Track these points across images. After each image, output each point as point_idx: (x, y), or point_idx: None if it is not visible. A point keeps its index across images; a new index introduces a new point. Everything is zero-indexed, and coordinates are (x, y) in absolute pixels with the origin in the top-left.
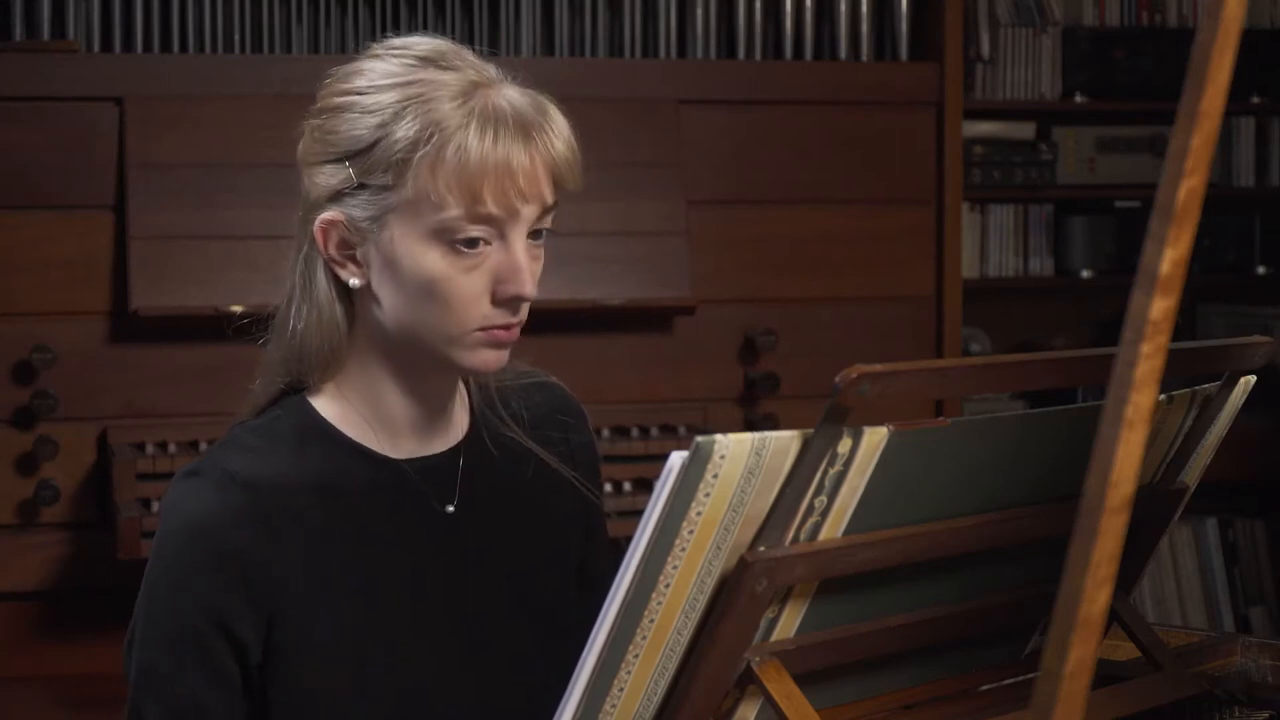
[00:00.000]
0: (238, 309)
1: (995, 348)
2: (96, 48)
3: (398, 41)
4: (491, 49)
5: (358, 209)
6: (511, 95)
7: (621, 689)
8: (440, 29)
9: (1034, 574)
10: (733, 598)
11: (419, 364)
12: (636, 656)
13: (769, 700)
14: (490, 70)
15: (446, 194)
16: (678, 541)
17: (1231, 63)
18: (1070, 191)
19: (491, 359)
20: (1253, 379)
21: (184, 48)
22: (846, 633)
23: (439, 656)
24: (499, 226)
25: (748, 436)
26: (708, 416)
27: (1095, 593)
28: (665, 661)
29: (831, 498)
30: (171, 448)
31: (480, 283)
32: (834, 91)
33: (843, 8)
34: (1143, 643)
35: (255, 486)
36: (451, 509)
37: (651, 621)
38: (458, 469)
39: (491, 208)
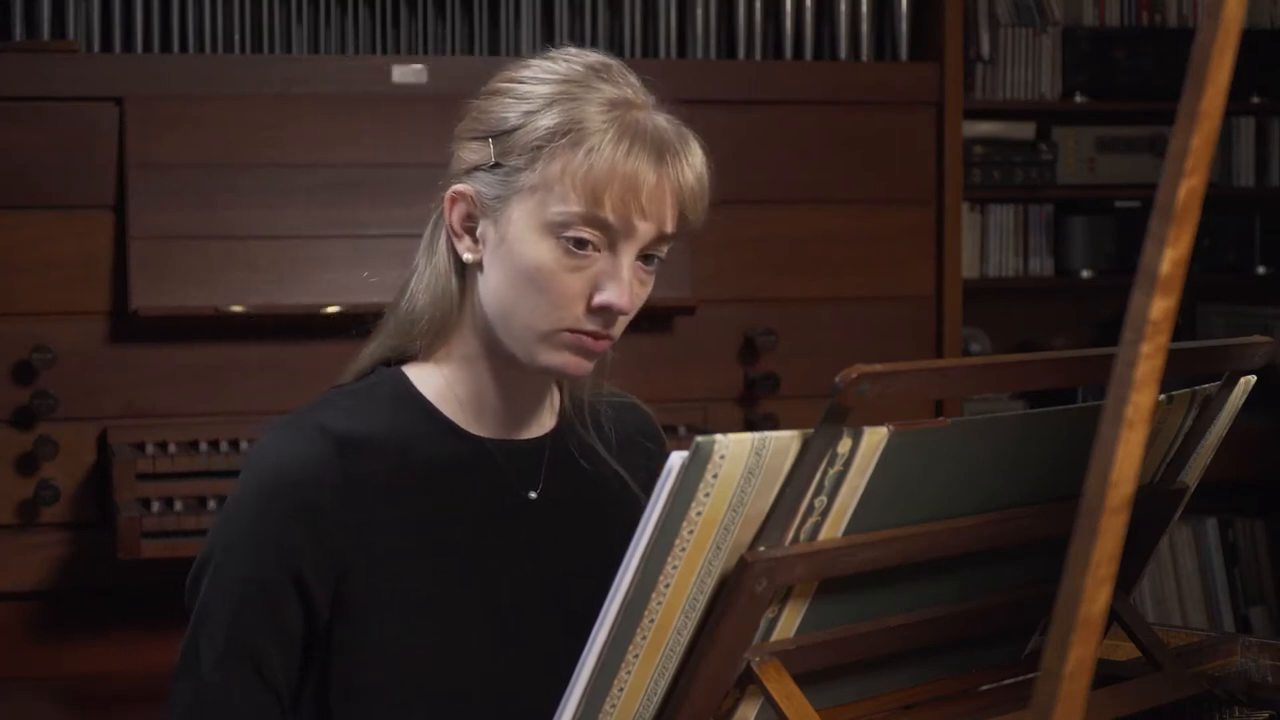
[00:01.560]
0: (238, 309)
1: (995, 348)
2: (96, 48)
3: (573, 50)
4: (491, 49)
5: (488, 186)
6: (658, 119)
7: (621, 689)
8: (440, 29)
9: (1034, 574)
10: (733, 598)
11: (511, 356)
12: (636, 656)
13: (769, 700)
14: (649, 96)
15: (570, 190)
16: (678, 541)
17: (1231, 63)
18: (1070, 191)
19: (573, 364)
20: (1253, 379)
21: (184, 48)
22: (846, 633)
23: (495, 635)
24: (612, 236)
25: (748, 436)
26: (708, 416)
27: (1095, 593)
28: (665, 661)
29: (831, 498)
30: (171, 448)
31: (580, 285)
32: (834, 91)
33: (843, 8)
34: (1143, 643)
35: (346, 443)
36: (534, 495)
37: (651, 621)
38: (544, 457)
39: (609, 215)
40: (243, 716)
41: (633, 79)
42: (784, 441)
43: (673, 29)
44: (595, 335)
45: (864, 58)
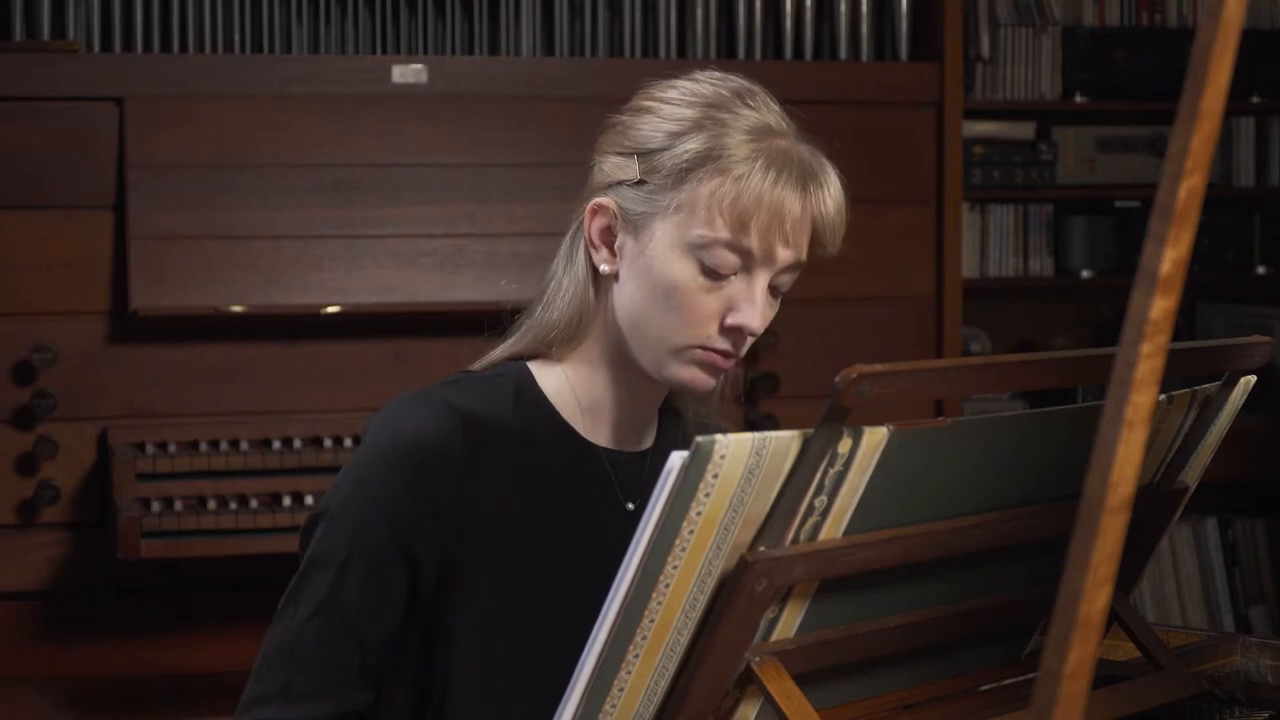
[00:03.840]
0: (238, 309)
1: (995, 348)
2: (96, 48)
3: (717, 73)
4: (491, 49)
5: (631, 202)
6: (801, 148)
7: (622, 689)
8: (440, 29)
9: (1034, 574)
10: (733, 598)
11: (637, 365)
12: (636, 656)
13: (769, 700)
14: (791, 124)
15: (716, 216)
16: (678, 541)
17: (1231, 63)
18: (1070, 191)
19: (700, 379)
20: (1253, 379)
21: (184, 48)
22: (846, 633)
23: (572, 638)
24: (750, 262)
25: (748, 436)
26: None
27: (1095, 593)
28: (665, 661)
29: (831, 498)
30: (171, 448)
31: (715, 305)
32: (834, 91)
33: (843, 8)
34: (1143, 643)
35: (472, 422)
36: (632, 507)
37: (651, 621)
38: (644, 471)
39: (753, 242)
40: (323, 669)
41: (774, 106)
42: (784, 441)
43: (673, 29)
44: (724, 354)
45: (864, 58)
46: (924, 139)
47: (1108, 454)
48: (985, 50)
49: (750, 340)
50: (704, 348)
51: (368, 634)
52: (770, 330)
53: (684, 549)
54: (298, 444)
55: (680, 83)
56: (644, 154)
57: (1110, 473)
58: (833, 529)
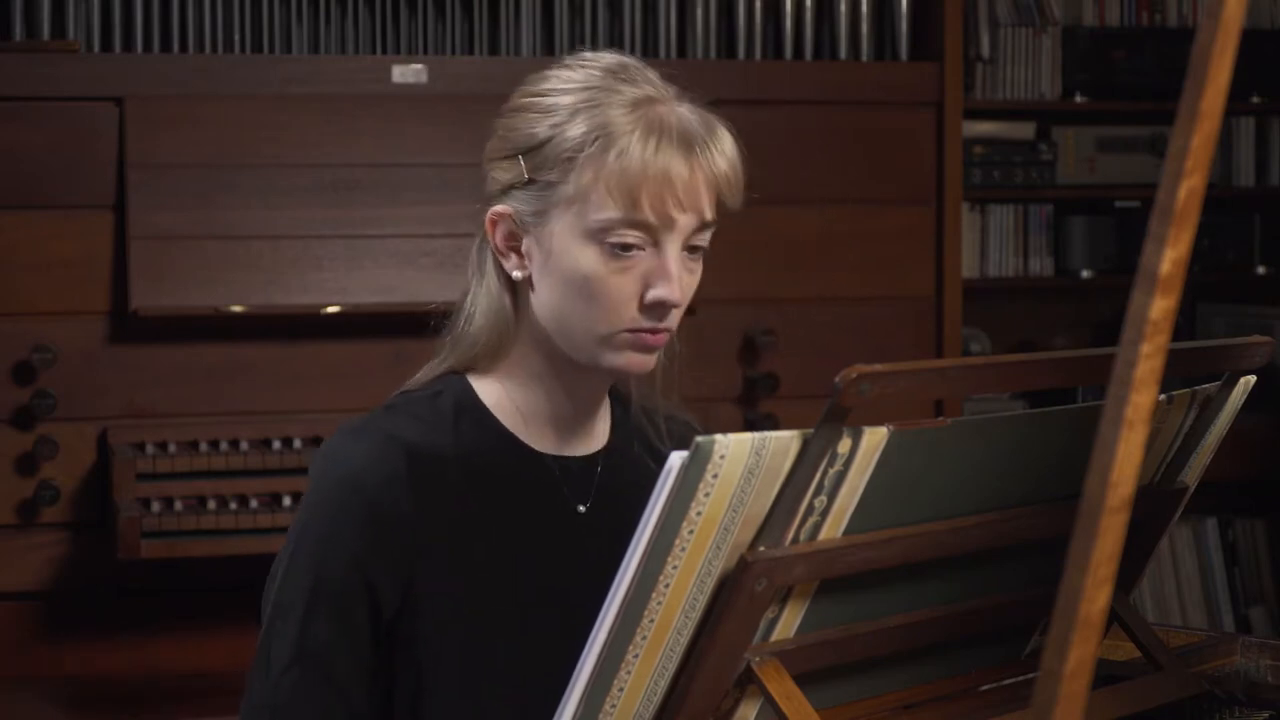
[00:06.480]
0: (238, 309)
1: (995, 348)
2: (96, 48)
3: (588, 55)
4: (491, 49)
5: (525, 203)
6: (682, 112)
7: (621, 689)
8: (440, 29)
9: (1034, 574)
10: (733, 598)
11: (572, 362)
12: (636, 656)
13: (769, 700)
14: (669, 89)
15: (606, 196)
16: (678, 541)
17: (1231, 63)
18: (1070, 191)
19: (636, 361)
20: (1253, 379)
21: (184, 48)
22: (846, 633)
23: (543, 644)
24: (654, 234)
25: (748, 436)
26: (708, 416)
27: (1095, 593)
28: (665, 661)
29: (831, 498)
30: (171, 448)
31: (631, 285)
32: (834, 91)
33: (843, 8)
34: (1143, 643)
35: (413, 453)
36: (583, 509)
37: (651, 621)
38: (595, 473)
39: (648, 214)
40: (308, 718)
41: (651, 75)
42: (784, 441)
43: (673, 29)
44: (653, 330)
45: (864, 58)
46: (924, 139)
47: (1108, 454)
48: (985, 50)
49: (676, 312)
50: (630, 330)
51: (342, 674)
52: (769, 330)
53: (684, 549)
54: (298, 444)
55: (553, 72)
56: (528, 151)
57: (1110, 473)
58: (833, 529)
